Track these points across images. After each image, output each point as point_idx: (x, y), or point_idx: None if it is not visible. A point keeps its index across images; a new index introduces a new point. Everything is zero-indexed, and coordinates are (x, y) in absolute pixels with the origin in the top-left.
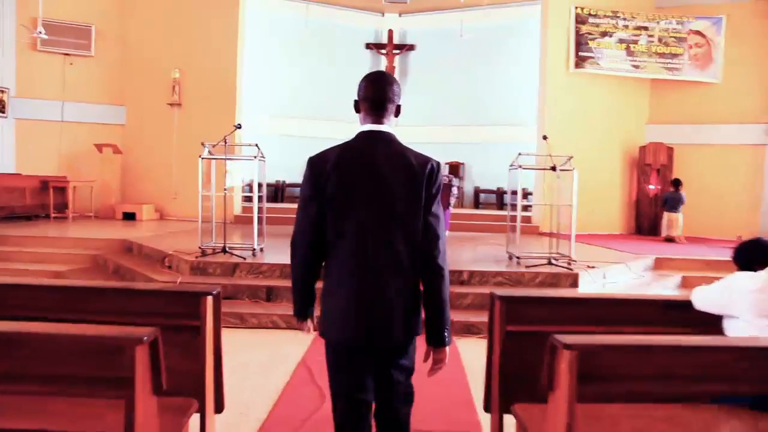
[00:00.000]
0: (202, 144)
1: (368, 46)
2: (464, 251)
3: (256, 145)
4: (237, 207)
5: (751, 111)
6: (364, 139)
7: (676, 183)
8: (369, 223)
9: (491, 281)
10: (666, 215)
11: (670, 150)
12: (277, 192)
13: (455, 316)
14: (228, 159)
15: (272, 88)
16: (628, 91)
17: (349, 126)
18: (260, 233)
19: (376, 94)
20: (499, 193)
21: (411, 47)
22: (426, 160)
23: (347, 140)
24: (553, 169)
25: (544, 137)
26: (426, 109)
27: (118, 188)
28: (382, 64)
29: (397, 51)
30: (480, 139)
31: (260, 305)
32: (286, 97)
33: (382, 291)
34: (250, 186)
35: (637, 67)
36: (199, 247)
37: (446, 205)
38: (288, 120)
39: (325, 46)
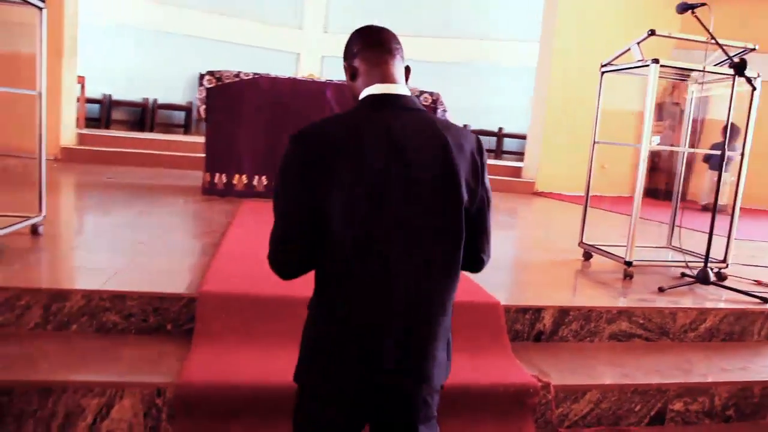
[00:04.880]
0: None
1: None
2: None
3: None
4: (67, 133)
5: None
6: (373, 109)
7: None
8: (398, 241)
9: (604, 332)
10: (709, 175)
11: None
12: (144, 115)
13: None
14: None
15: None
16: None
17: (263, 27)
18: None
19: (380, 37)
20: (500, 136)
21: None
22: (465, 131)
23: (345, 113)
24: (739, 70)
25: (685, 7)
26: (378, 13)
27: None
28: None
29: None
30: (462, 58)
31: None
32: None
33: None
34: (99, 101)
35: None
36: None
37: None
38: (161, 7)
39: None
